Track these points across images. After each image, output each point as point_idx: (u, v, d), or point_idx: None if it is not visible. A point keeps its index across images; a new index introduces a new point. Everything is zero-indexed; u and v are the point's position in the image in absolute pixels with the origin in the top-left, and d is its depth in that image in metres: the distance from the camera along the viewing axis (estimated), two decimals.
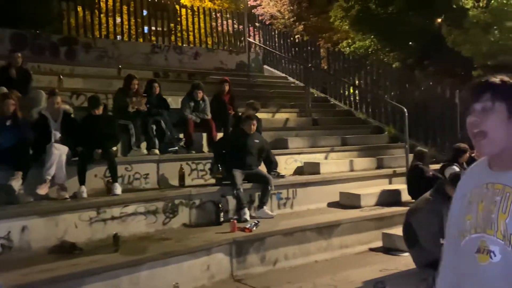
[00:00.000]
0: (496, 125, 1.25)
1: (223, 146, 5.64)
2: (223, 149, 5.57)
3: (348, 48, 13.22)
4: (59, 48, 9.57)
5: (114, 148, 5.24)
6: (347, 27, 12.75)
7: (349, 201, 5.98)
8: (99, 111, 5.11)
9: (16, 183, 4.27)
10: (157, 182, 5.55)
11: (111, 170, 4.92)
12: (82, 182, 4.75)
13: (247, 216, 5.08)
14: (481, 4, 10.42)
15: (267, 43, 12.51)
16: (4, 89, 5.43)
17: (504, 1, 9.83)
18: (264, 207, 5.31)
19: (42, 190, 4.44)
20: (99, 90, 7.30)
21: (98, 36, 10.66)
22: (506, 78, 1.31)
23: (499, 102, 1.26)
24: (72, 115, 5.25)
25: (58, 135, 4.88)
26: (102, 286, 3.55)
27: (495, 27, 10.10)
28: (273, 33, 12.75)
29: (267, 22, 13.05)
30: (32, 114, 5.16)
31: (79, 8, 11.28)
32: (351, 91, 10.29)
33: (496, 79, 1.31)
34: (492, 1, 10.12)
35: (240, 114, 6.65)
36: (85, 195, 4.67)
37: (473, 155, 6.42)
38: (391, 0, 11.80)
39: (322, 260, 4.95)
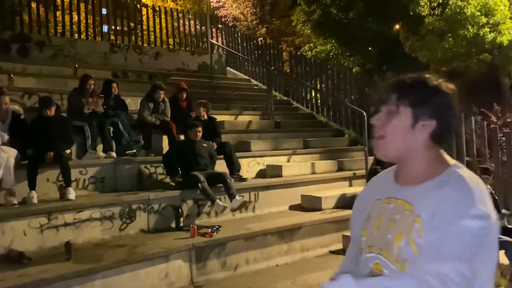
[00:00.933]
0: (396, 131, 1.14)
1: (172, 157, 5.53)
2: (173, 160, 5.47)
3: (310, 52, 13.38)
4: (10, 45, 9.08)
5: (68, 151, 4.99)
6: (309, 31, 12.91)
7: (310, 204, 6.01)
8: (51, 112, 4.86)
9: None
10: (114, 186, 5.34)
11: (64, 173, 4.68)
12: (32, 186, 4.49)
13: (223, 204, 5.06)
14: (436, 12, 10.84)
15: (230, 45, 12.44)
16: None
17: (458, 10, 10.26)
18: (236, 196, 5.21)
19: None
20: (54, 90, 6.98)
21: (53, 33, 10.20)
22: (419, 79, 1.17)
23: (404, 107, 1.14)
24: (22, 116, 4.96)
25: (6, 137, 4.59)
26: None
27: (449, 35, 10.53)
28: (236, 35, 12.69)
29: (230, 24, 12.97)
30: None
31: (33, 4, 10.77)
32: (313, 94, 10.40)
33: (407, 80, 1.18)
34: (447, 10, 10.55)
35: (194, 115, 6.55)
36: (35, 200, 4.41)
37: None
38: (351, 6, 12.05)
39: (283, 264, 4.93)
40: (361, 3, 11.84)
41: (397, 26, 12.07)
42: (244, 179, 6.00)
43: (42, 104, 4.90)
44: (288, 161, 7.20)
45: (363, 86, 10.03)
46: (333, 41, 13.08)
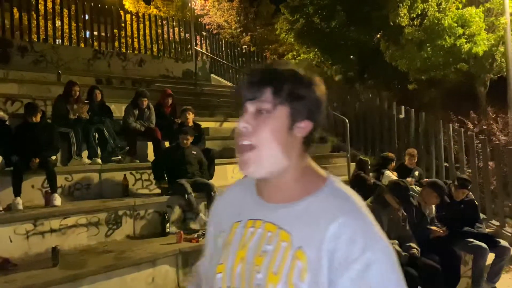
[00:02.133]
0: (272, 138, 0.86)
1: (160, 163, 5.56)
2: (161, 166, 5.51)
3: (293, 60, 13.60)
4: None
5: (54, 157, 4.98)
6: (292, 40, 13.12)
7: None
8: (37, 118, 4.85)
9: None
10: (99, 193, 5.34)
11: (50, 180, 4.67)
12: (17, 193, 4.46)
13: (205, 219, 5.05)
14: (415, 23, 11.18)
15: (214, 52, 12.54)
16: None
17: (436, 21, 10.61)
18: (200, 215, 5.27)
19: None
20: (37, 96, 6.94)
21: (35, 39, 10.13)
22: (294, 70, 0.90)
23: (281, 105, 0.87)
24: (7, 122, 4.94)
25: None
26: None
27: (428, 44, 10.87)
28: (220, 42, 12.81)
29: (214, 32, 13.10)
30: None
31: (15, 10, 10.68)
32: None
33: (282, 70, 0.89)
34: (425, 20, 10.90)
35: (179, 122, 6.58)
36: (20, 207, 4.39)
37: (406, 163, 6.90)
38: (333, 16, 12.32)
39: None
40: (343, 13, 12.13)
41: (377, 35, 12.40)
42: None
43: (28, 111, 4.88)
44: None
45: (345, 93, 10.25)
46: (316, 49, 13.34)
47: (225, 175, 6.44)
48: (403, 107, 8.97)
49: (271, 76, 0.88)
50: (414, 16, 11.15)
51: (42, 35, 10.45)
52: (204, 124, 7.26)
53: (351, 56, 13.31)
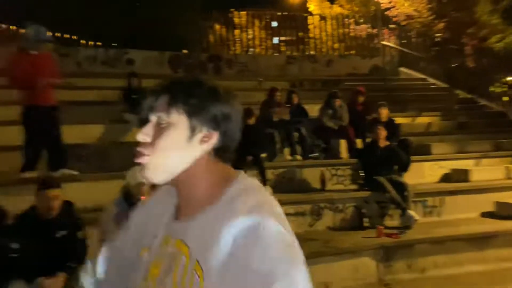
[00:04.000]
0: (168, 148, 0.87)
1: (363, 160, 5.69)
2: (366, 160, 5.61)
3: (498, 44, 11.97)
4: (207, 65, 10.69)
5: (263, 155, 5.72)
6: (496, 21, 11.56)
7: (506, 212, 5.49)
8: (252, 121, 5.64)
9: None
10: (300, 186, 5.87)
11: (261, 174, 5.40)
12: None
13: (415, 217, 4.98)
14: None
15: (404, 44, 12.07)
16: None
17: None
18: (407, 211, 5.19)
19: None
20: (242, 101, 7.91)
21: (238, 52, 11.61)
22: (196, 80, 0.92)
23: (178, 114, 0.88)
24: None
25: None
26: None
27: None
28: (409, 33, 12.26)
29: (403, 23, 12.60)
30: None
31: (217, 26, 12.40)
32: (500, 89, 9.33)
33: (182, 80, 0.92)
34: None
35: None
36: None
37: None
38: None
39: (476, 272, 4.66)
40: None
41: None
42: None
43: (245, 114, 5.73)
44: (477, 165, 6.68)
45: None
46: None
47: (421, 173, 6.22)
48: None
49: (169, 86, 0.90)
50: None
51: (241, 47, 11.85)
52: (395, 120, 7.14)
53: None
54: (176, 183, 0.90)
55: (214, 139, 0.89)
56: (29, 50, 4.45)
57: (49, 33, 4.86)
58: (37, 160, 4.54)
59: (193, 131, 0.88)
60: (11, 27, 10.48)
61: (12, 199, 3.53)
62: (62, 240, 3.02)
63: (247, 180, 0.91)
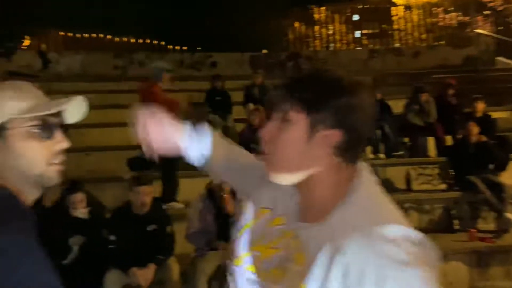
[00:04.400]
0: (286, 147, 0.83)
1: (455, 155, 5.32)
2: (457, 158, 5.24)
3: None
4: (286, 64, 10.75)
5: None
6: None
7: None
8: None
9: None
10: (382, 186, 5.66)
11: None
12: None
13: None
14: None
15: (500, 31, 11.03)
16: (252, 106, 6.52)
17: None
18: (504, 214, 4.76)
19: None
20: None
21: (318, 48, 11.51)
22: (315, 74, 0.86)
23: (296, 113, 0.83)
24: None
25: None
26: None
27: None
28: (507, 19, 11.17)
29: (499, 8, 11.52)
30: None
31: (296, 24, 12.40)
32: None
33: (300, 76, 0.86)
34: None
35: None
36: None
37: None
38: None
39: None
40: None
41: None
42: None
43: None
44: None
45: None
46: None
47: None
48: None
49: (287, 84, 0.85)
50: None
51: (321, 43, 11.72)
52: (492, 115, 6.56)
53: None
54: (299, 185, 0.86)
55: (337, 136, 0.81)
56: (158, 82, 4.73)
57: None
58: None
59: (312, 129, 0.82)
60: (99, 35, 11.48)
61: (107, 194, 3.90)
62: (152, 234, 3.27)
63: (370, 182, 0.86)
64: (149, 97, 4.56)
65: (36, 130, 0.88)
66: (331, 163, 0.82)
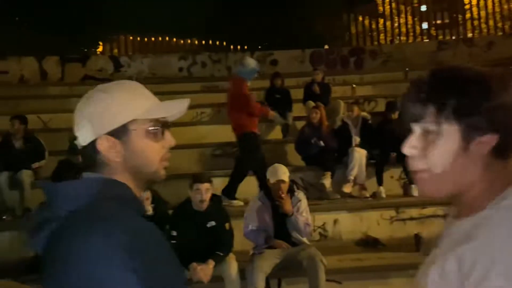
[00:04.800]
0: (441, 161, 0.77)
1: None
2: None
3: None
4: (348, 60, 10.47)
5: None
6: None
7: None
8: (395, 115, 5.34)
9: (327, 182, 5.01)
10: None
11: (407, 172, 5.06)
12: (380, 182, 5.10)
13: None
14: None
15: None
16: (312, 103, 6.43)
17: None
18: None
19: (347, 188, 5.04)
20: (387, 94, 7.58)
21: (382, 42, 11.08)
22: (464, 76, 0.76)
23: (448, 124, 0.76)
24: (370, 121, 5.70)
25: (357, 139, 5.41)
26: (405, 281, 3.72)
27: None
28: None
29: None
30: (335, 122, 5.89)
31: (360, 18, 12.01)
32: None
33: (447, 79, 0.77)
34: None
35: None
36: (383, 195, 5.00)
37: None
38: None
39: None
40: None
41: None
42: None
43: (389, 108, 5.46)
44: None
45: None
46: None
47: None
48: None
49: (433, 90, 0.77)
50: None
51: (388, 37, 11.27)
52: None
53: None
54: (455, 194, 0.82)
55: (494, 140, 0.77)
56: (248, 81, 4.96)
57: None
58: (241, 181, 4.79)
59: (466, 138, 0.77)
60: (166, 38, 11.90)
61: (170, 191, 4.04)
62: (212, 230, 3.33)
63: None
64: (240, 98, 4.76)
65: (154, 130, 0.92)
66: (485, 165, 0.79)
